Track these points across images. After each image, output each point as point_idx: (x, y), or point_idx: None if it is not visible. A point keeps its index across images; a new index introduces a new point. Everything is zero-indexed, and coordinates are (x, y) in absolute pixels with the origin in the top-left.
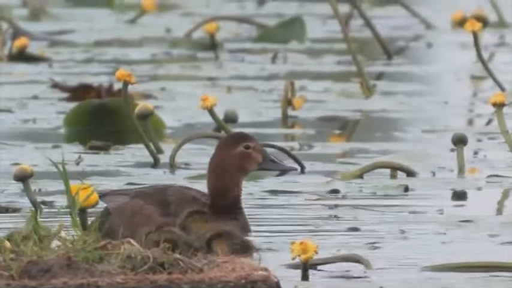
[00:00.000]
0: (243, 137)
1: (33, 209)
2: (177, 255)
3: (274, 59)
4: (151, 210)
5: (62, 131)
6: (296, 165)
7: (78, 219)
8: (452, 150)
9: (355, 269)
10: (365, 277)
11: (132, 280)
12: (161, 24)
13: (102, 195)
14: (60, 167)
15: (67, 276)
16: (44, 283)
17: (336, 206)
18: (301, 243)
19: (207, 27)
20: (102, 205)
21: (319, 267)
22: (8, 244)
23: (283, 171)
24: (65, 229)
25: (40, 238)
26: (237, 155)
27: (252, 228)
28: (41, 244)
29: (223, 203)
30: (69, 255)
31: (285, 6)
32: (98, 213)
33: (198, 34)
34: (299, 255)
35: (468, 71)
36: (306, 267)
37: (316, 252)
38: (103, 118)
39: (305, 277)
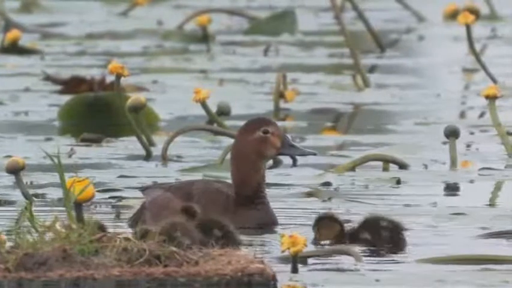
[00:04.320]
0: (262, 122)
1: (27, 201)
2: (173, 248)
3: (266, 52)
4: (177, 203)
5: (55, 123)
6: (315, 150)
7: (72, 212)
8: (444, 142)
9: (346, 262)
10: (358, 270)
11: (128, 273)
12: (153, 17)
13: (144, 189)
14: (55, 159)
15: (63, 269)
16: (40, 276)
17: (329, 198)
18: (291, 236)
19: (199, 19)
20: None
21: (309, 260)
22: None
23: (303, 156)
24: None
25: (35, 230)
26: (255, 140)
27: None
28: (36, 237)
29: (246, 192)
30: (65, 247)
31: None
32: (139, 207)
33: (189, 26)
34: (288, 248)
35: (460, 63)
36: (296, 260)
37: (306, 246)
38: (97, 111)
39: (295, 270)
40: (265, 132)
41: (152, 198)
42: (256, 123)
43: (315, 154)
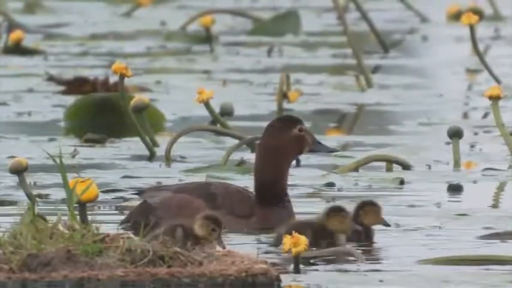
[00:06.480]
0: (297, 120)
1: (29, 202)
2: (177, 249)
3: (269, 52)
4: (199, 203)
5: (58, 124)
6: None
7: (75, 212)
8: (448, 143)
9: (349, 262)
10: (361, 271)
11: (133, 273)
12: (156, 18)
13: (141, 192)
14: (58, 160)
15: (67, 270)
16: (44, 276)
17: (333, 199)
18: (293, 236)
19: (202, 20)
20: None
21: (312, 260)
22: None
23: (330, 152)
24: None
25: (38, 231)
26: (294, 137)
27: None
28: (40, 237)
29: (275, 190)
30: (69, 248)
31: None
32: (135, 208)
33: (193, 27)
34: (290, 249)
35: (463, 64)
36: (298, 261)
37: (308, 246)
38: (100, 112)
39: (297, 270)
40: (301, 130)
41: (161, 200)
42: (292, 121)
43: (338, 151)
